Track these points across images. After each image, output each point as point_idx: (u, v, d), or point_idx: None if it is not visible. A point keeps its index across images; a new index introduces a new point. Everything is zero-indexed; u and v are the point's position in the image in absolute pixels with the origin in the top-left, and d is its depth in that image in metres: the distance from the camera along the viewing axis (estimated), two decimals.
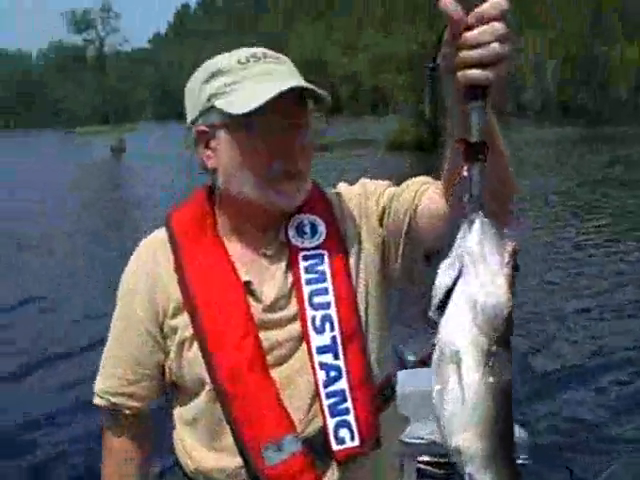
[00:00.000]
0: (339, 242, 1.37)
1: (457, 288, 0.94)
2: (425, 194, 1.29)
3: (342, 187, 1.47)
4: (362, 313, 1.36)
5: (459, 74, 0.93)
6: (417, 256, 1.32)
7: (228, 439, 1.32)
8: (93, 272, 10.05)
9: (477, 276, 0.93)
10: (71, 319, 8.00)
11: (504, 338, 0.94)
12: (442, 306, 0.95)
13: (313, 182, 1.41)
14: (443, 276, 0.96)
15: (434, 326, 0.96)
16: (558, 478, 3.71)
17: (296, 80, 1.30)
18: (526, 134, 32.46)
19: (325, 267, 1.34)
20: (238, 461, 1.32)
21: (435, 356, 0.95)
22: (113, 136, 38.18)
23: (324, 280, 1.34)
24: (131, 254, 1.48)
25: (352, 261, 1.38)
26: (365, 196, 1.41)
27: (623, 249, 10.51)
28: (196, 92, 1.35)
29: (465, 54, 0.92)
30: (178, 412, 1.43)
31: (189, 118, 1.37)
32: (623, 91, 52.68)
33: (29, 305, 8.69)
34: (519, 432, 2.72)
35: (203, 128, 1.33)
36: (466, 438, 0.95)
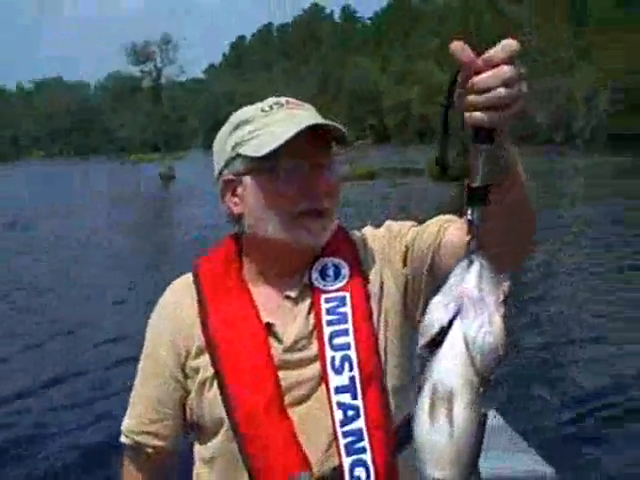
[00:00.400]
0: (361, 285, 1.40)
1: (454, 328, 0.95)
2: (448, 230, 1.31)
3: (367, 230, 1.51)
4: (382, 354, 1.37)
5: (466, 116, 0.95)
6: None
7: (244, 478, 1.34)
8: (133, 298, 10.21)
9: (475, 318, 0.94)
10: (105, 340, 8.20)
11: (491, 376, 0.95)
12: (433, 344, 0.96)
13: (338, 224, 1.44)
14: (436, 314, 0.97)
15: (423, 361, 0.98)
16: None
17: (315, 120, 1.33)
18: (573, 163, 31.96)
19: (347, 309, 1.37)
20: None
21: (425, 393, 0.96)
22: (163, 163, 39.06)
23: (345, 321, 1.36)
24: (171, 283, 1.54)
25: (374, 303, 1.39)
26: (389, 237, 1.44)
27: None
28: (222, 144, 1.41)
29: (472, 98, 0.94)
30: (198, 450, 1.46)
31: (216, 170, 1.42)
32: None
33: (66, 326, 8.93)
34: (544, 467, 2.66)
35: (229, 177, 1.39)
36: (447, 473, 0.97)
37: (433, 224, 1.35)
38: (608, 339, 7.74)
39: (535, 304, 9.23)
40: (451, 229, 1.31)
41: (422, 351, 0.97)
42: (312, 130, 1.30)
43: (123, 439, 1.51)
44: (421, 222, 1.43)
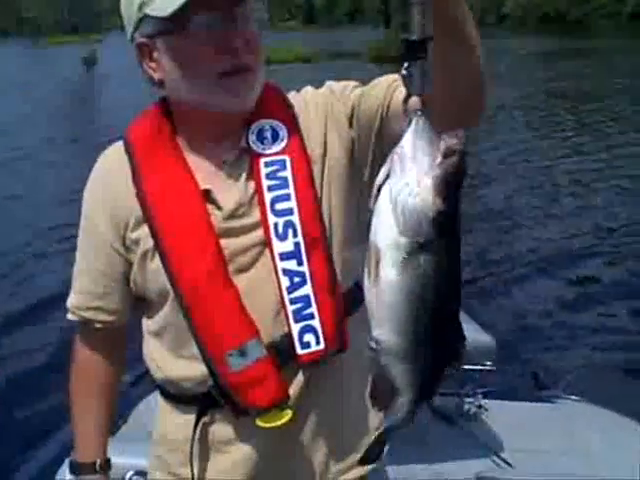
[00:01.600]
0: (302, 147, 1.34)
1: (383, 186, 0.94)
2: (397, 90, 1.23)
3: (308, 90, 1.42)
4: (326, 219, 1.34)
5: None
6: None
7: (193, 348, 1.34)
8: (63, 187, 9.78)
9: (403, 176, 0.92)
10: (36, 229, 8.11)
11: (431, 240, 0.93)
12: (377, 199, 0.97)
13: (272, 85, 1.37)
14: (381, 172, 0.96)
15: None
16: (523, 383, 3.77)
17: None
18: (502, 44, 31.89)
19: (287, 173, 1.32)
20: (203, 369, 1.33)
21: (368, 250, 0.97)
22: (85, 47, 36.63)
23: (286, 186, 1.31)
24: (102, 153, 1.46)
25: (316, 165, 1.35)
26: (332, 97, 1.37)
27: (576, 158, 10.78)
28: (128, 4, 1.31)
29: None
30: (146, 323, 1.45)
31: (128, 33, 1.33)
32: (605, 0, 51.58)
33: None
34: (484, 337, 2.73)
35: (142, 40, 1.30)
36: (382, 332, 0.99)
37: (381, 83, 1.28)
38: (536, 211, 8.19)
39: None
40: (401, 88, 1.20)
41: (370, 205, 0.98)
42: None
43: (70, 316, 1.48)
44: None
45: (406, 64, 0.96)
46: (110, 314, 1.45)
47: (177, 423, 1.43)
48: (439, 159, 0.91)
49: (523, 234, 7.49)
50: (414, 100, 0.96)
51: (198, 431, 1.38)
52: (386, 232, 0.94)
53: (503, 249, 7.02)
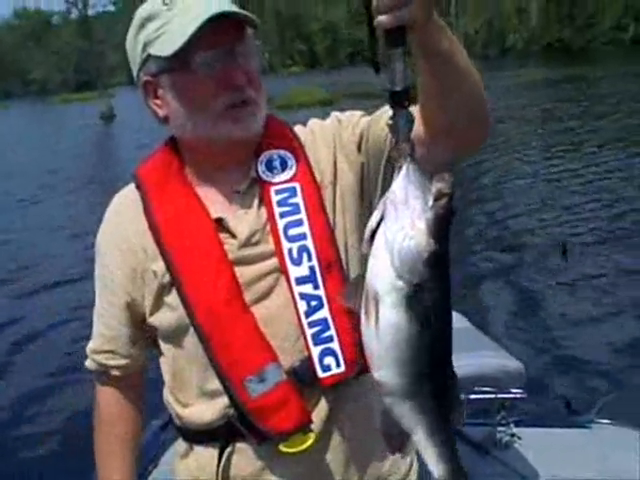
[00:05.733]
0: (311, 174, 1.38)
1: (379, 230, 0.97)
2: None
3: (314, 121, 1.47)
4: (342, 242, 1.37)
5: (374, 22, 0.97)
6: None
7: (214, 381, 1.34)
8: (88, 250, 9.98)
9: (397, 220, 0.95)
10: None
11: (426, 281, 0.96)
12: (371, 242, 0.99)
13: (277, 118, 1.42)
14: (372, 216, 1.00)
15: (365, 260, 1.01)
16: (555, 409, 3.71)
17: (218, 6, 1.27)
18: (504, 76, 31.88)
19: (298, 199, 1.35)
20: (225, 400, 1.33)
21: (363, 292, 0.99)
22: (102, 102, 36.03)
23: (298, 212, 1.34)
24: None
25: (328, 190, 1.38)
26: (340, 127, 1.41)
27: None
28: (132, 46, 1.37)
29: (374, 3, 0.96)
30: (165, 365, 1.45)
31: (134, 73, 1.39)
32: (607, 27, 51.75)
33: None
34: (512, 363, 2.70)
35: (146, 79, 1.36)
36: (384, 374, 1.00)
37: (388, 110, 1.31)
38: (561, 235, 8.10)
39: (480, 209, 9.58)
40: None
41: (364, 250, 1.01)
42: (220, 18, 1.26)
43: (87, 363, 1.53)
44: None
45: (391, 113, 1.01)
46: (123, 357, 1.48)
47: (200, 462, 1.41)
48: (430, 202, 0.95)
49: (546, 258, 7.40)
50: (403, 146, 1.00)
51: (222, 466, 1.36)
52: (383, 275, 0.96)
53: (529, 273, 6.96)
